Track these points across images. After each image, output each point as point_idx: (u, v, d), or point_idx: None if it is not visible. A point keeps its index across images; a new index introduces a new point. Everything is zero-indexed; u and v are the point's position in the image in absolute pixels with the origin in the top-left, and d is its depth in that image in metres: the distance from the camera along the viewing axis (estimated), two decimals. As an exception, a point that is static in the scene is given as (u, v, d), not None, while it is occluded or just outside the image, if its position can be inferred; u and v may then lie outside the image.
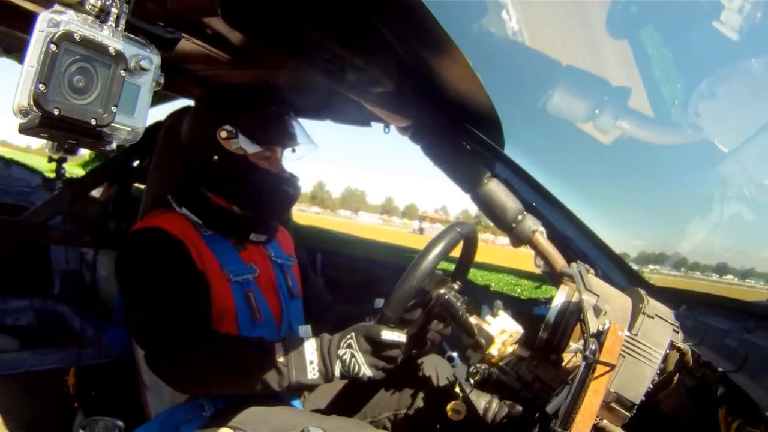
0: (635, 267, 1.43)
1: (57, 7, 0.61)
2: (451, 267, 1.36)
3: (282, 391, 1.13)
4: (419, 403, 1.38)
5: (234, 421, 1.17)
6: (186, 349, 1.14)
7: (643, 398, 0.81)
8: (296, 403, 1.39)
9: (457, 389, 1.14)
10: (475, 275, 2.11)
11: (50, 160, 2.35)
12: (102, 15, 0.63)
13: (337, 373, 1.11)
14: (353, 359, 1.09)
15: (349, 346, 1.10)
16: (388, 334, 1.09)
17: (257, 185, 1.37)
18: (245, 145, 1.35)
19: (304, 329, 1.19)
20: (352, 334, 1.11)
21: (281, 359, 1.12)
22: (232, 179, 1.36)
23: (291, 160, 1.50)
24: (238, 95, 1.49)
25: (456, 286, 1.22)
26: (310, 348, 1.13)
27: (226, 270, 1.31)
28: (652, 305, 0.91)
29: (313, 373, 1.11)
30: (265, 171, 1.38)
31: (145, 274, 1.24)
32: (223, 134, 1.34)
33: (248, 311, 1.33)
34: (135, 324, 1.25)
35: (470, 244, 1.31)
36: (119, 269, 1.30)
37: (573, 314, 0.96)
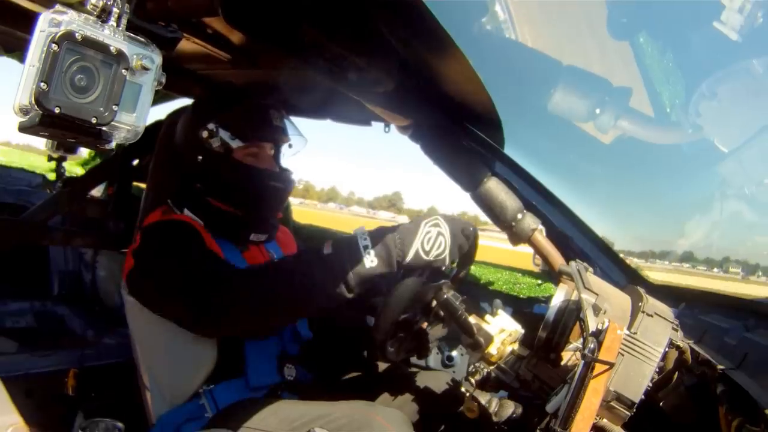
0: (634, 260, 1.43)
1: (58, 7, 0.61)
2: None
3: (345, 294, 1.01)
4: (423, 409, 1.37)
5: (236, 423, 1.17)
6: (233, 285, 1.07)
7: (643, 397, 0.81)
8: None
9: (463, 389, 1.14)
10: (474, 273, 2.11)
11: (50, 158, 2.35)
12: (103, 15, 0.64)
13: (411, 254, 1.00)
14: (440, 238, 1.01)
15: (436, 225, 1.03)
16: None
17: (242, 182, 1.36)
18: (226, 142, 1.35)
19: (360, 229, 1.06)
20: (437, 216, 1.04)
21: (329, 251, 1.02)
22: (218, 178, 1.36)
23: (288, 156, 1.50)
24: (219, 94, 1.49)
25: (455, 286, 1.22)
26: (363, 234, 1.03)
27: None
28: (652, 303, 0.92)
29: (371, 260, 1.00)
30: (250, 167, 1.36)
31: (173, 251, 1.21)
32: (205, 134, 1.34)
33: None
34: (174, 297, 1.17)
35: (471, 244, 1.31)
36: (141, 258, 1.26)
37: (572, 313, 0.96)
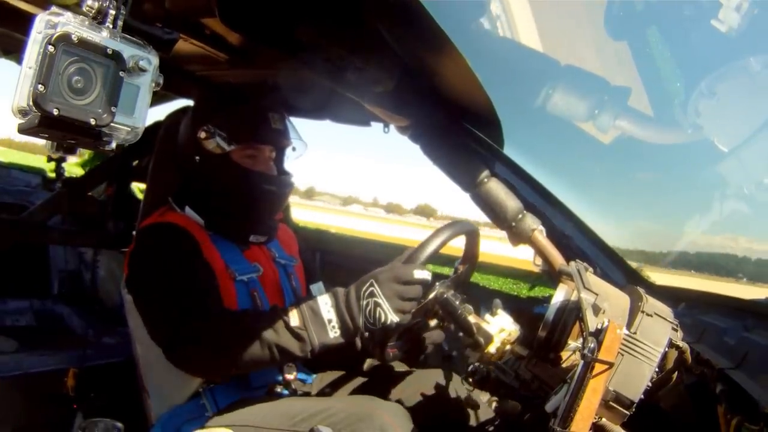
0: (635, 265, 1.43)
1: (54, 8, 0.61)
2: (451, 268, 1.36)
3: (308, 357, 1.09)
4: (421, 408, 1.37)
5: (236, 420, 1.17)
6: (204, 331, 1.11)
7: (642, 396, 0.81)
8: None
9: (457, 388, 1.14)
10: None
11: (49, 159, 2.36)
12: (99, 16, 0.63)
13: (361, 327, 1.07)
14: (378, 309, 1.05)
15: (371, 294, 1.06)
16: (418, 272, 1.08)
17: (237, 184, 1.34)
18: (222, 144, 1.33)
19: (317, 287, 1.14)
20: (371, 281, 1.07)
21: (298, 324, 1.08)
22: (214, 179, 1.35)
23: (291, 159, 1.49)
24: (219, 95, 1.48)
25: (454, 285, 1.22)
26: (326, 306, 1.09)
27: (231, 269, 1.31)
28: (651, 303, 0.91)
29: (334, 332, 1.08)
30: (245, 169, 1.35)
31: (160, 265, 1.23)
32: (203, 134, 1.34)
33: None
34: (151, 316, 1.22)
35: (472, 244, 1.31)
36: (133, 264, 1.29)
37: (572, 313, 0.96)
